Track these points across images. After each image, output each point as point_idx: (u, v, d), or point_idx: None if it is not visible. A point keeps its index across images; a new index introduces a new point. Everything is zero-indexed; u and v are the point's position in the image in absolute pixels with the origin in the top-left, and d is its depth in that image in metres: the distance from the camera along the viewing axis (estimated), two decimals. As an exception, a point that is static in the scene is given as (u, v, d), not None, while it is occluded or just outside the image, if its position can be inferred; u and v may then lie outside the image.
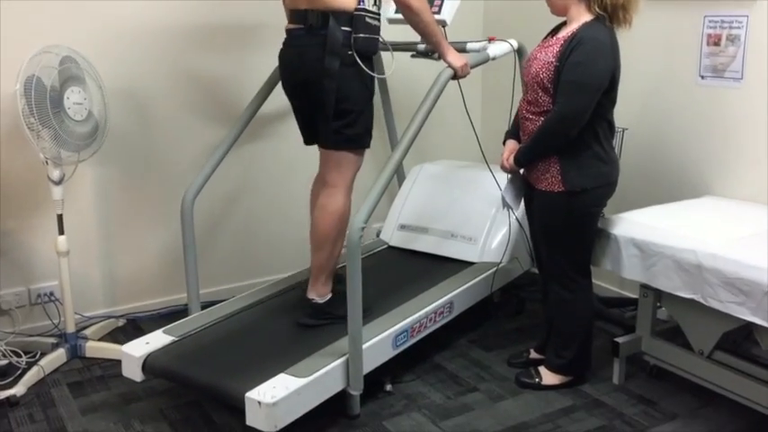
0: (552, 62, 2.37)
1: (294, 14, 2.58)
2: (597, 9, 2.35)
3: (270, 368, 2.31)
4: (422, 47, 3.08)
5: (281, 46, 2.63)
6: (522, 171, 2.59)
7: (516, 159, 2.52)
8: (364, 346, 2.42)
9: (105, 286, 3.21)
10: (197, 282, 2.81)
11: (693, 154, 2.96)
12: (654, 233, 2.44)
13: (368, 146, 2.66)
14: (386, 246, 3.45)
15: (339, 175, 2.58)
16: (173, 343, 2.52)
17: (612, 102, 2.44)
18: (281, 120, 3.42)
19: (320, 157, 2.72)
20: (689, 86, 2.93)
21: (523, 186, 2.64)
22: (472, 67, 2.76)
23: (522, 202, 2.71)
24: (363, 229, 2.31)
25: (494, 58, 2.86)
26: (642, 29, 2.57)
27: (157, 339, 2.53)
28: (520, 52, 3.05)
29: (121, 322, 3.20)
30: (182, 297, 3.23)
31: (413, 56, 3.12)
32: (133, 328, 3.18)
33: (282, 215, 3.55)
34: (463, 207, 3.35)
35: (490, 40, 2.93)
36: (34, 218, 3.02)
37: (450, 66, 2.64)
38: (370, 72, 2.52)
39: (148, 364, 2.43)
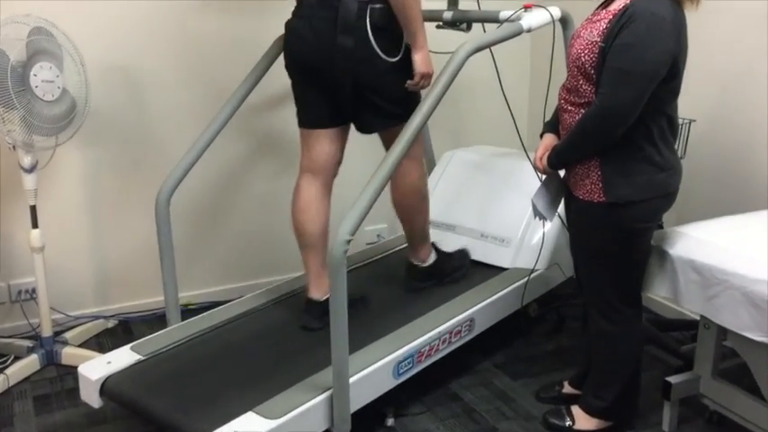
0: (597, 42, 1.87)
1: None
2: None
3: (239, 403, 1.95)
4: (448, 15, 2.62)
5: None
6: (561, 172, 2.11)
7: (550, 160, 2.04)
8: (356, 377, 2.05)
9: (95, 283, 2.93)
10: (175, 289, 2.46)
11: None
12: (718, 255, 1.94)
13: None
14: (406, 245, 3.03)
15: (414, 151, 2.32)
16: (138, 363, 2.19)
17: (674, 93, 1.93)
18: (281, 104, 3.02)
19: (318, 147, 2.40)
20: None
21: (562, 190, 2.15)
22: (503, 41, 2.30)
23: (562, 207, 2.22)
24: (349, 242, 1.90)
25: (529, 30, 2.36)
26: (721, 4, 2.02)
27: (121, 358, 2.20)
28: (564, 22, 2.54)
29: (111, 323, 2.91)
30: (181, 297, 2.94)
31: (438, 26, 2.69)
32: (123, 330, 2.89)
33: (284, 211, 3.16)
34: (497, 203, 2.90)
35: (526, 7, 2.42)
36: (13, 206, 2.74)
37: (414, 66, 2.25)
38: (380, 52, 2.19)
39: (107, 387, 2.11)
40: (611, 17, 1.87)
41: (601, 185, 1.96)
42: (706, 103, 2.57)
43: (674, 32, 1.82)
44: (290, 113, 3.03)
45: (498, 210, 2.88)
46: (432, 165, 3.26)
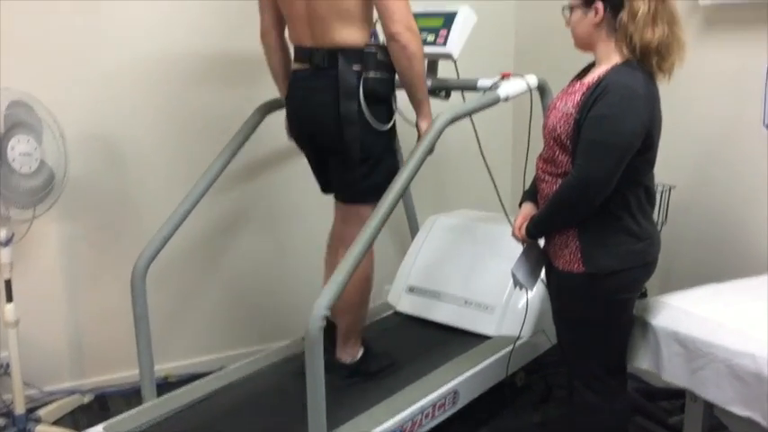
0: (572, 114, 1.87)
1: (299, 52, 2.32)
2: (626, 51, 1.85)
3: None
4: (427, 83, 2.62)
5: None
6: (541, 241, 2.09)
7: (528, 230, 2.02)
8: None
9: (71, 356, 2.86)
10: (151, 364, 2.41)
11: (756, 219, 2.40)
12: (701, 326, 1.90)
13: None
14: (392, 311, 2.99)
15: (355, 230, 2.13)
16: (111, 444, 2.12)
17: (650, 164, 1.93)
18: (277, 164, 3.04)
19: (336, 212, 2.44)
20: (751, 138, 2.37)
21: (542, 260, 2.13)
22: (480, 110, 2.33)
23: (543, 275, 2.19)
24: (325, 317, 1.86)
25: (506, 99, 2.38)
26: (695, 68, 2.05)
27: (94, 439, 2.13)
28: (542, 90, 2.56)
29: (87, 399, 2.83)
30: (159, 369, 2.87)
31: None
32: (99, 406, 2.81)
33: (277, 275, 3.14)
34: (480, 269, 2.87)
35: (504, 76, 2.44)
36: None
37: (419, 132, 2.29)
38: (372, 120, 2.21)
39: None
40: (585, 89, 1.88)
41: (579, 256, 1.93)
42: (685, 168, 2.58)
43: (647, 104, 1.83)
44: (273, 177, 3.08)
45: (482, 276, 2.85)
46: (414, 230, 3.24)
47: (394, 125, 2.35)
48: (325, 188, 2.49)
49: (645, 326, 2.02)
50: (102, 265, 2.85)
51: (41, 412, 2.65)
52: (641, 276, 1.97)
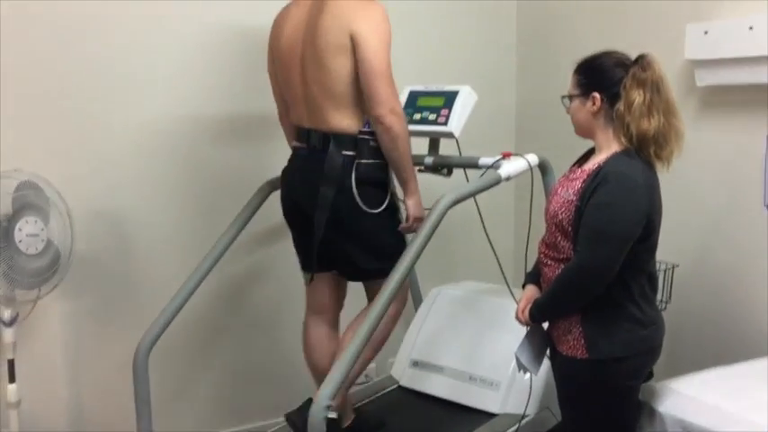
0: (573, 200, 1.90)
1: (299, 131, 2.40)
2: (624, 140, 1.89)
3: None
4: (429, 160, 2.68)
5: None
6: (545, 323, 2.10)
7: (531, 313, 2.03)
8: None
9: (71, 437, 2.82)
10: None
11: (758, 300, 2.41)
12: (709, 415, 1.88)
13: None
14: (396, 385, 2.96)
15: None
16: None
17: (651, 251, 1.95)
18: (266, 240, 3.05)
19: (318, 289, 2.48)
20: (754, 217, 2.39)
21: (546, 343, 2.12)
22: (482, 191, 2.37)
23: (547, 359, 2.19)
24: (329, 407, 1.85)
25: (507, 179, 2.40)
26: (694, 148, 2.08)
27: None
28: (543, 168, 2.59)
29: (87, 482, 2.79)
30: None
31: (420, 170, 2.71)
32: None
33: (283, 349, 3.11)
34: (485, 343, 2.85)
35: (505, 155, 2.47)
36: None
37: (407, 210, 2.36)
38: (362, 204, 2.26)
39: None
40: (585, 176, 1.91)
41: (583, 342, 1.93)
42: (688, 247, 2.59)
43: (646, 193, 1.86)
44: (276, 248, 3.08)
45: (486, 350, 2.82)
46: (418, 301, 3.23)
47: (393, 206, 2.39)
48: (305, 266, 2.49)
49: (652, 413, 2.00)
50: (106, 343, 2.83)
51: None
52: (646, 362, 1.97)
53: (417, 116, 2.63)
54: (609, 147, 1.93)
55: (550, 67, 3.21)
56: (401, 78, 2.37)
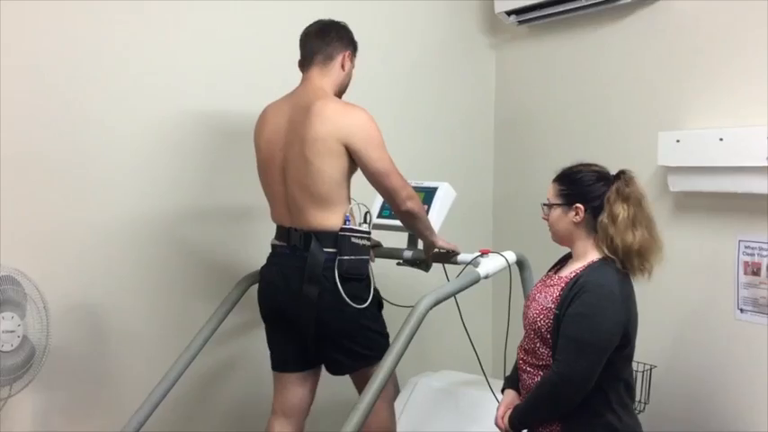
0: (551, 308, 1.94)
1: (279, 230, 2.42)
2: (606, 250, 1.94)
3: None
4: (408, 254, 2.70)
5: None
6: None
7: (511, 420, 2.03)
8: None
9: None
10: None
11: (736, 400, 2.43)
12: None
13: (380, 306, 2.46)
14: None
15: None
16: None
17: (628, 359, 1.98)
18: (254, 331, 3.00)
19: (291, 390, 2.46)
20: (726, 321, 2.44)
21: (526, 448, 2.12)
22: (462, 290, 2.40)
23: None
24: None
25: (486, 277, 2.44)
26: (668, 250, 2.13)
27: None
28: (521, 265, 2.62)
29: None
30: None
31: (398, 264, 2.75)
32: None
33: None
34: (463, 436, 2.82)
35: (483, 252, 2.51)
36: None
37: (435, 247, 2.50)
38: (349, 300, 2.27)
39: None
40: (563, 284, 1.95)
41: (563, 450, 1.94)
42: (664, 349, 2.62)
43: (623, 304, 1.90)
44: (247, 347, 3.03)
45: (465, 446, 2.80)
46: (396, 391, 3.20)
47: (377, 300, 2.41)
48: (279, 365, 2.48)
49: None
50: (78, 439, 2.76)
51: None
52: (625, 473, 1.97)
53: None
54: (587, 255, 1.98)
55: (526, 165, 3.31)
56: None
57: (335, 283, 2.27)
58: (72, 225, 2.74)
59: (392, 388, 2.53)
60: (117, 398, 2.79)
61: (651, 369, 2.49)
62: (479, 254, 2.51)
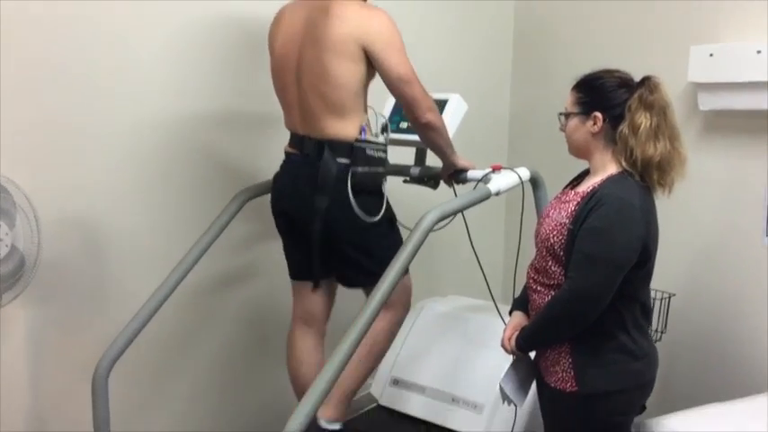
0: (565, 224, 1.80)
1: (292, 138, 2.34)
2: (625, 163, 1.78)
3: None
4: (415, 171, 2.57)
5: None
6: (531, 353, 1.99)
7: (518, 342, 1.91)
8: None
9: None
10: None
11: (756, 332, 2.32)
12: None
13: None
14: (375, 404, 2.84)
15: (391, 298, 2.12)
16: None
17: (646, 279, 1.85)
18: (264, 242, 2.90)
19: (309, 299, 2.42)
20: (753, 248, 2.31)
21: (532, 373, 2.01)
22: (471, 206, 2.27)
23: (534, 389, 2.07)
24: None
25: (497, 194, 2.29)
26: (693, 173, 1.98)
27: None
28: (535, 183, 2.47)
29: None
30: None
31: (405, 181, 2.62)
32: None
33: (260, 363, 2.99)
34: (469, 363, 2.74)
35: (494, 168, 2.36)
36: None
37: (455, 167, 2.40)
38: (360, 213, 2.21)
39: None
40: (579, 199, 1.81)
41: (573, 374, 1.83)
42: (684, 276, 2.51)
43: (643, 218, 1.76)
44: (259, 255, 2.97)
45: (471, 371, 2.71)
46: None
47: (389, 216, 2.33)
48: (295, 273, 2.46)
49: (643, 451, 1.89)
50: (72, 354, 2.68)
51: None
52: (638, 398, 1.87)
53: (404, 125, 2.53)
54: (605, 169, 1.83)
55: (546, 80, 3.14)
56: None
57: (347, 194, 2.18)
58: (71, 134, 2.60)
59: (401, 310, 2.45)
60: (112, 313, 2.69)
61: (670, 297, 2.37)
62: (491, 170, 2.37)
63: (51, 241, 2.53)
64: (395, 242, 2.29)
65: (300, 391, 2.37)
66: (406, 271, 2.13)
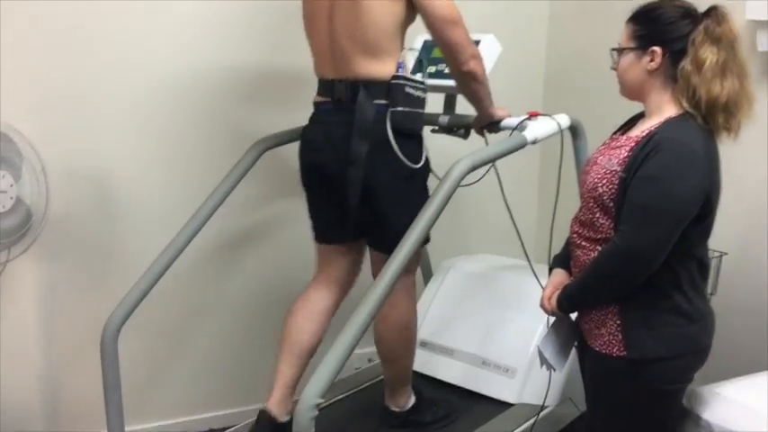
0: (617, 171, 1.61)
1: (321, 85, 2.17)
2: (686, 103, 1.59)
3: None
4: (444, 120, 2.39)
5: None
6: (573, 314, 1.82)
7: (559, 302, 1.74)
8: None
9: (44, 411, 2.59)
10: (123, 434, 2.13)
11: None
12: (766, 427, 1.61)
13: (426, 239, 2.13)
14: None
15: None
16: None
17: (706, 234, 1.66)
18: (280, 199, 2.78)
19: (335, 263, 2.29)
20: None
21: (573, 336, 1.85)
22: (505, 155, 2.08)
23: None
24: (319, 405, 1.59)
25: (534, 142, 2.10)
26: (752, 120, 1.77)
27: None
28: (574, 131, 2.28)
29: (63, 465, 2.58)
30: (141, 429, 2.65)
31: (433, 131, 2.45)
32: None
33: (276, 325, 2.86)
34: (501, 325, 2.59)
35: (531, 115, 2.17)
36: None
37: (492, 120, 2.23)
38: (404, 159, 2.03)
39: None
40: (632, 145, 1.62)
41: (621, 337, 1.66)
42: (737, 234, 2.31)
43: (706, 165, 1.57)
44: (277, 212, 2.83)
45: (503, 333, 2.56)
46: (428, 275, 2.97)
47: (428, 165, 2.16)
48: (322, 236, 2.29)
49: (697, 422, 1.74)
50: (84, 313, 2.59)
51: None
52: (693, 365, 1.69)
53: (432, 69, 2.34)
54: (663, 111, 1.63)
55: (588, 19, 2.91)
56: (416, 24, 2.10)
57: (387, 137, 2.00)
58: (81, 84, 2.49)
59: (411, 278, 2.29)
60: (125, 270, 2.56)
61: (721, 256, 2.18)
62: (527, 116, 2.18)
63: (61, 196, 2.44)
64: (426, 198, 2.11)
65: (285, 343, 2.24)
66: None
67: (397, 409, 2.34)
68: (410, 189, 2.10)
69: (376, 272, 2.18)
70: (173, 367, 2.77)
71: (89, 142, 2.53)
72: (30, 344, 2.56)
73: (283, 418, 2.16)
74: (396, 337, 2.21)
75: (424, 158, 2.11)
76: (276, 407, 2.16)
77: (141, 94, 2.57)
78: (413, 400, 2.36)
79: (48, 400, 2.60)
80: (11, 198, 2.25)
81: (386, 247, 2.13)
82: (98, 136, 2.54)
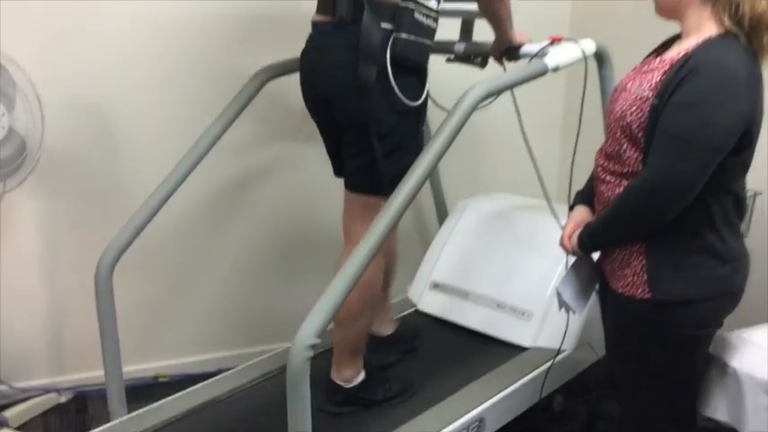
0: (648, 98, 1.46)
1: (320, 3, 1.94)
2: (728, 21, 1.43)
3: None
4: (460, 48, 2.23)
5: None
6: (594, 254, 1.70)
7: (581, 240, 1.62)
8: None
9: (48, 350, 2.56)
10: (119, 375, 2.07)
11: None
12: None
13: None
14: (412, 309, 2.62)
15: (365, 227, 1.73)
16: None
17: (744, 167, 1.52)
18: (289, 134, 2.66)
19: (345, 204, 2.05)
20: None
21: (595, 278, 1.73)
22: (523, 83, 1.92)
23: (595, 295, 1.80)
24: (314, 346, 1.49)
25: (555, 69, 1.94)
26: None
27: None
28: (600, 59, 2.12)
29: (64, 398, 2.53)
30: (149, 368, 2.62)
31: (448, 60, 2.29)
32: (77, 407, 2.51)
33: (285, 266, 2.79)
34: (518, 266, 2.48)
35: (553, 41, 2.00)
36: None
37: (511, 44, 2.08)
38: (399, 93, 1.82)
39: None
40: (667, 68, 1.46)
41: (646, 278, 1.53)
42: None
43: (749, 91, 1.42)
44: (285, 149, 2.71)
45: (519, 275, 2.45)
46: (443, 215, 2.85)
47: (425, 105, 1.95)
48: (340, 170, 2.09)
49: (724, 369, 1.63)
50: (86, 248, 2.47)
51: (8, 413, 2.36)
52: (723, 308, 1.57)
53: (444, -8, 2.16)
54: (701, 29, 1.47)
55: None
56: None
57: (386, 67, 1.80)
58: (81, 16, 2.37)
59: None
60: (126, 205, 2.48)
61: (755, 195, 2.03)
62: (549, 42, 2.01)
63: (58, 128, 2.33)
64: (417, 148, 1.91)
65: None
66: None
67: (341, 383, 2.08)
68: (400, 129, 1.90)
69: (348, 215, 2.02)
70: (180, 308, 2.72)
71: (87, 71, 2.43)
72: (30, 280, 2.50)
73: (349, 384, 2.07)
74: (357, 296, 1.79)
75: (423, 96, 1.91)
76: (338, 377, 2.06)
77: (139, 24, 2.45)
78: (362, 375, 2.09)
79: (50, 338, 2.57)
80: (3, 128, 2.16)
81: (355, 185, 1.98)
82: (97, 65, 2.43)
